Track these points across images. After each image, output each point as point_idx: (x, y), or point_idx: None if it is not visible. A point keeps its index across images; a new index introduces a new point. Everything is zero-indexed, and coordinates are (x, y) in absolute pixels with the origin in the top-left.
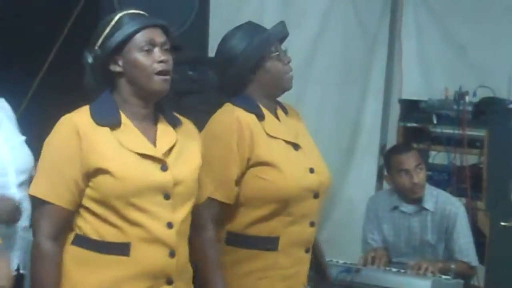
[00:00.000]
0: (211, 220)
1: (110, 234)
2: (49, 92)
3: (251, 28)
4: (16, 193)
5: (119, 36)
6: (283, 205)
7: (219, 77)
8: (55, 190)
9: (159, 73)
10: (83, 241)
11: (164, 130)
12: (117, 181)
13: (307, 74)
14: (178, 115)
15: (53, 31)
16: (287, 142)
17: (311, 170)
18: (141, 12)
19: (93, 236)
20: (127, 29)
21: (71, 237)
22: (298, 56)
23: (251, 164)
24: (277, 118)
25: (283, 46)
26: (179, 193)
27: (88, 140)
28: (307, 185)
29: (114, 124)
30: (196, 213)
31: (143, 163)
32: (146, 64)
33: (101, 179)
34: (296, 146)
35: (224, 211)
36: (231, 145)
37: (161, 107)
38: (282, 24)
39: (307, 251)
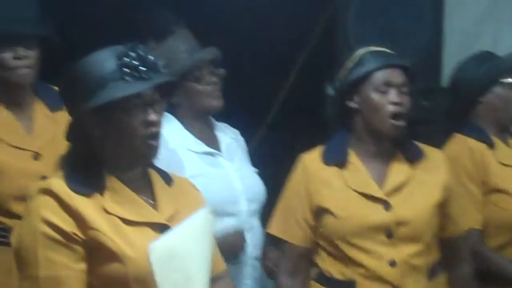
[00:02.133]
0: (468, 254)
1: (339, 272)
2: (282, 128)
3: (485, 55)
4: (246, 222)
5: (357, 73)
6: None
7: (448, 102)
8: (288, 228)
9: (393, 116)
10: (321, 278)
11: (397, 167)
12: (338, 221)
13: None
14: (426, 147)
15: (286, 68)
16: None
17: None
18: (387, 50)
19: (327, 273)
20: (365, 67)
21: (313, 273)
22: None
23: (485, 191)
24: (508, 145)
25: None
26: (403, 232)
27: (315, 181)
28: None
29: (341, 163)
30: (448, 248)
31: (366, 203)
32: (380, 105)
33: (325, 218)
34: None
35: None
36: (467, 174)
37: (401, 142)
38: None
39: None
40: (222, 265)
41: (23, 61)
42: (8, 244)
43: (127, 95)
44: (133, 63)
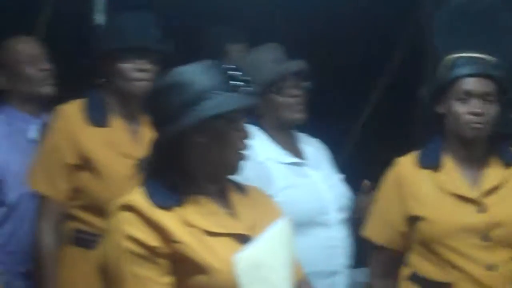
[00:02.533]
0: None
1: (434, 273)
2: (371, 135)
3: None
4: (336, 231)
5: (443, 80)
6: None
7: None
8: (381, 232)
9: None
10: (414, 278)
11: (491, 170)
12: (431, 224)
13: None
14: None
15: (374, 76)
16: None
17: None
18: (478, 56)
19: (421, 274)
20: (451, 74)
21: (405, 272)
22: None
23: None
24: None
25: None
26: (499, 235)
27: (408, 185)
28: None
29: (436, 167)
30: None
31: (459, 205)
32: (459, 113)
33: (418, 224)
34: None
35: None
36: None
37: (494, 146)
38: None
39: None
40: (302, 272)
41: (144, 73)
42: None
43: (241, 106)
44: (242, 77)
